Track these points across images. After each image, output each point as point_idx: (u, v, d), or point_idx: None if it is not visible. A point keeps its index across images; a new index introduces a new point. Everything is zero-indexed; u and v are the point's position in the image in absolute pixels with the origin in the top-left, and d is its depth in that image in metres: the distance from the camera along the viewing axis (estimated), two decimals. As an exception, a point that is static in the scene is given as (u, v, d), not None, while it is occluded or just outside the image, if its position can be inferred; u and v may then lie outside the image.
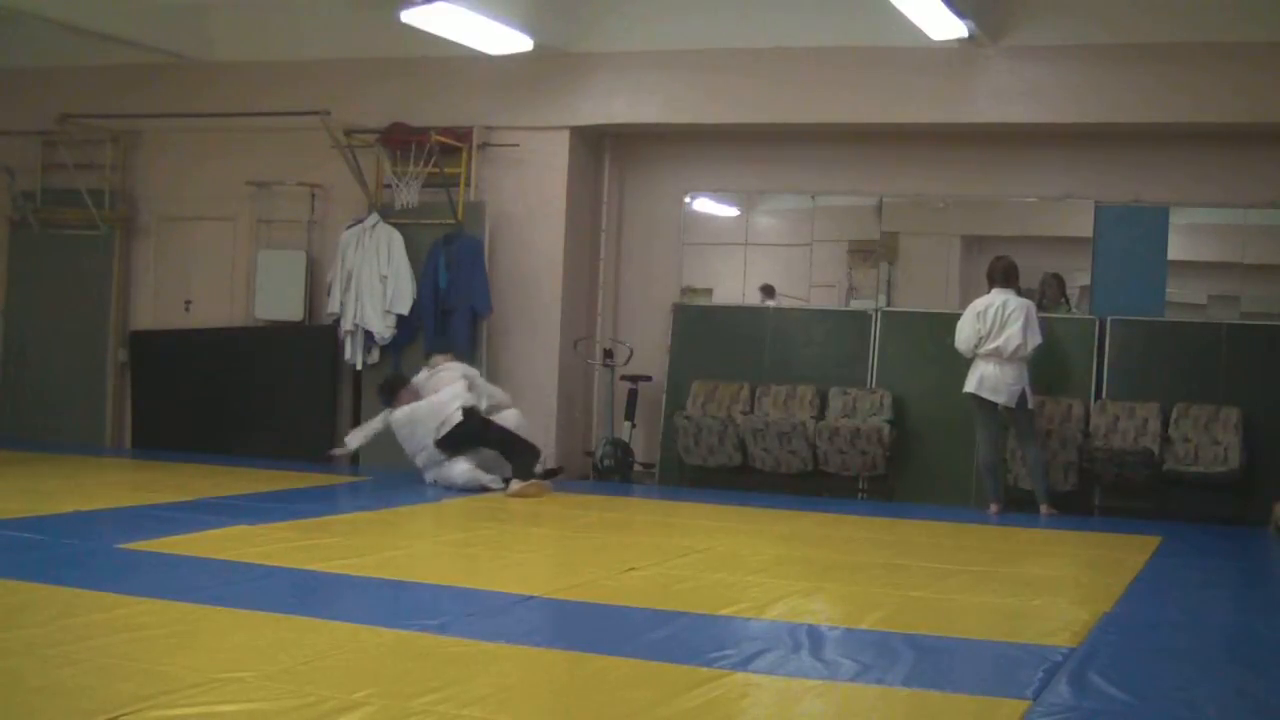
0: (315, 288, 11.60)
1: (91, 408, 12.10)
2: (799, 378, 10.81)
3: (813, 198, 11.27)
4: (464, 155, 11.15)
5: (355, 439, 10.27)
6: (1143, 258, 10.28)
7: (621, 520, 8.78)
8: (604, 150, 11.62)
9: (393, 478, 10.16)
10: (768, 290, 11.44)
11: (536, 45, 10.55)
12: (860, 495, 10.45)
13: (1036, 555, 8.07)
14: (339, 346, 11.24)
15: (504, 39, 10.35)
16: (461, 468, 9.76)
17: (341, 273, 11.12)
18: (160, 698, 3.80)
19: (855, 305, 11.06)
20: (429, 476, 9.90)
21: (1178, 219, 10.30)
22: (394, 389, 10.16)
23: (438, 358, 10.39)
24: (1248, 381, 9.80)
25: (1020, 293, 9.69)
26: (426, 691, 3.99)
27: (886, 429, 10.24)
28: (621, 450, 10.96)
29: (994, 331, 9.46)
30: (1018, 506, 9.63)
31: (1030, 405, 9.59)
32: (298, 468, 10.39)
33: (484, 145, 11.26)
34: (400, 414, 10.00)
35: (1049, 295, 10.50)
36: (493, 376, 11.10)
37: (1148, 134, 10.16)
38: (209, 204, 11.98)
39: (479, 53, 10.63)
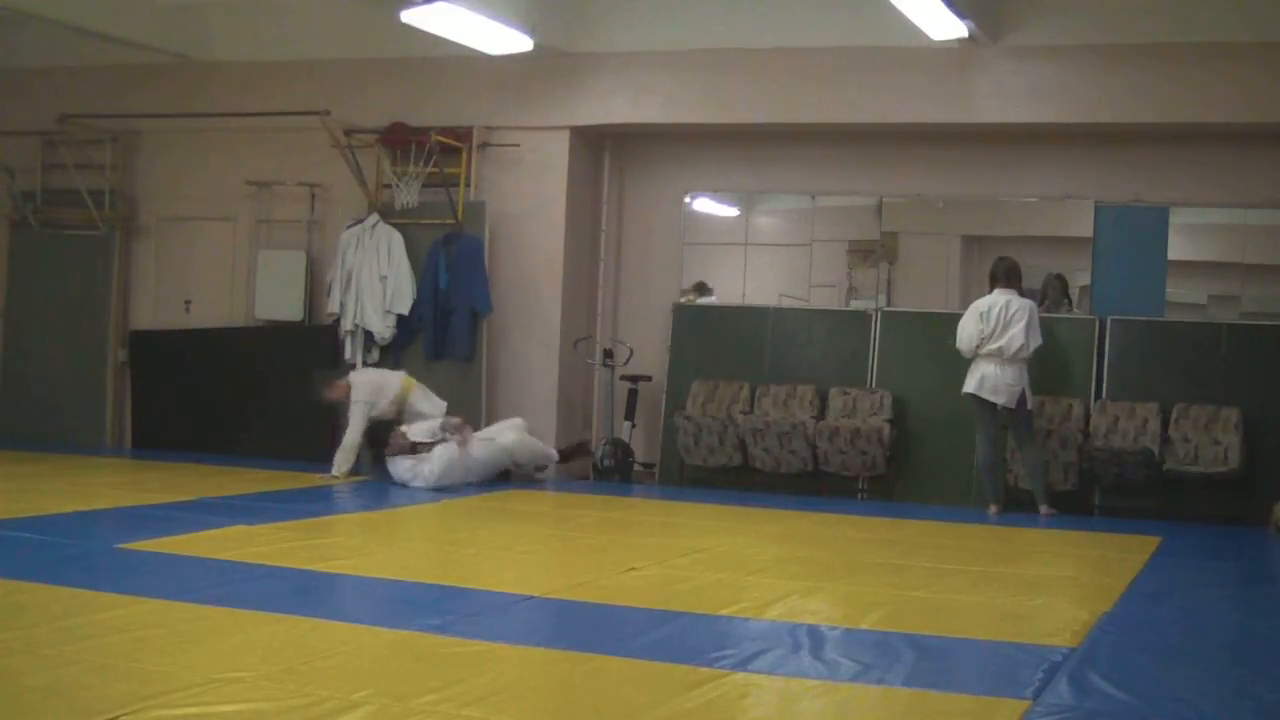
0: (315, 288, 11.60)
1: (91, 408, 12.10)
2: (799, 378, 10.81)
3: (813, 198, 11.27)
4: (464, 155, 11.15)
5: (344, 462, 10.06)
6: (1143, 258, 10.28)
7: (621, 520, 8.78)
8: (604, 150, 11.62)
9: (392, 478, 10.15)
10: (701, 288, 11.47)
11: (536, 45, 10.55)
12: (860, 495, 10.45)
13: (1036, 555, 8.07)
14: (339, 346, 11.24)
15: (504, 39, 10.34)
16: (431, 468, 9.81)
17: (341, 273, 11.13)
18: (160, 698, 3.80)
19: (855, 305, 11.06)
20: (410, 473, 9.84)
21: (1178, 219, 10.30)
22: (328, 381, 10.22)
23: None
24: (1248, 381, 9.80)
25: (1022, 293, 9.69)
26: (426, 691, 3.99)
27: (886, 429, 10.24)
28: (621, 450, 10.96)
29: (997, 332, 9.45)
30: (1018, 506, 9.63)
31: (1029, 406, 9.59)
32: (298, 468, 10.38)
33: (484, 145, 11.26)
34: (363, 391, 10.09)
35: (1052, 296, 10.49)
36: (493, 376, 11.13)
37: (1148, 134, 10.16)
38: (209, 204, 11.99)
39: (479, 53, 10.63)
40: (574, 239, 11.32)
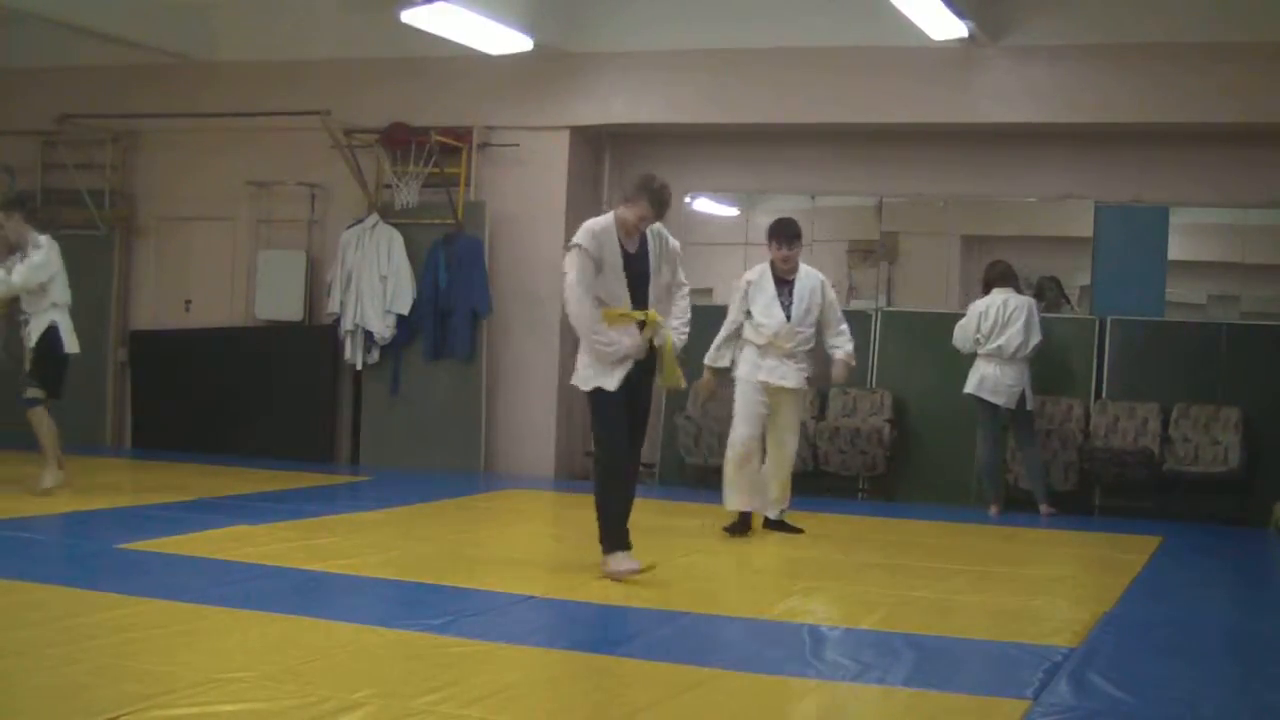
0: (315, 288, 11.60)
1: (91, 408, 12.09)
2: (799, 378, 10.79)
3: (813, 198, 11.26)
4: (464, 155, 11.14)
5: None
6: (1143, 258, 10.28)
7: (621, 520, 8.76)
8: (604, 150, 11.61)
9: (393, 478, 10.16)
10: None
11: (536, 45, 10.55)
12: (860, 495, 10.45)
13: (1036, 555, 8.07)
14: (339, 346, 11.24)
15: (504, 39, 10.34)
16: None
17: (341, 273, 11.12)
18: (160, 698, 3.80)
19: (855, 305, 11.04)
20: None
21: (1178, 219, 10.29)
22: None
23: None
24: (1248, 381, 9.80)
25: (1020, 291, 9.70)
26: (426, 691, 3.99)
27: (886, 429, 10.24)
28: (621, 450, 10.92)
29: (996, 331, 9.46)
30: (1018, 506, 9.63)
31: (1030, 407, 9.59)
32: (298, 468, 10.39)
33: (484, 145, 11.25)
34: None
35: (1048, 299, 10.48)
36: (493, 376, 11.12)
37: (1148, 134, 10.16)
38: (209, 204, 11.98)
39: (479, 53, 10.63)
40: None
